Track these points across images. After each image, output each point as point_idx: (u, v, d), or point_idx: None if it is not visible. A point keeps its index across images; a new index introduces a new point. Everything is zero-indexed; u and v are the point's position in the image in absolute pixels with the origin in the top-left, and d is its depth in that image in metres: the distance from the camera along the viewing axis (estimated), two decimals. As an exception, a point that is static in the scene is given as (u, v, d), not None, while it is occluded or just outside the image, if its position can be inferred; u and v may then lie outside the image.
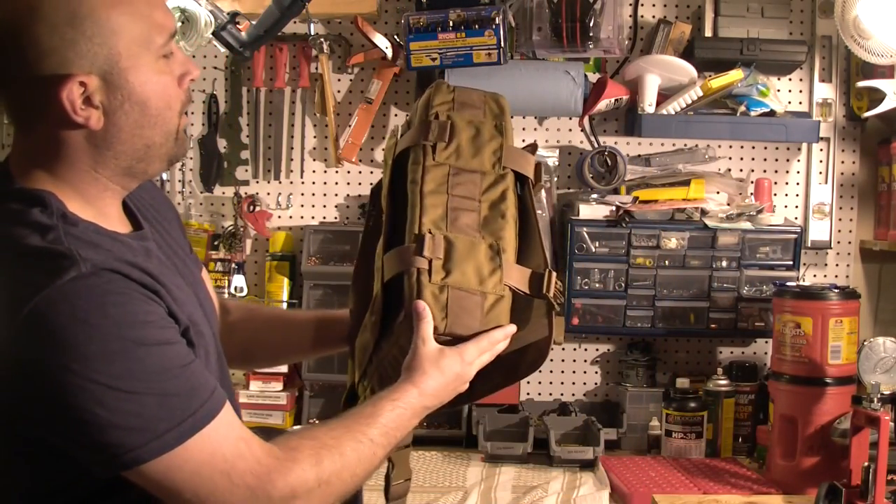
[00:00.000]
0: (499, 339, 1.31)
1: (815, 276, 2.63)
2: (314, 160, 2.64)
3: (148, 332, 1.06)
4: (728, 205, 2.57)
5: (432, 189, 1.33)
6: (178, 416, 1.06)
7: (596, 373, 2.66)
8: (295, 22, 2.40)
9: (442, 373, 1.27)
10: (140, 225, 1.22)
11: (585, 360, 2.66)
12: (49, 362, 1.01)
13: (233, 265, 2.57)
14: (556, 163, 2.59)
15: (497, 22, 2.35)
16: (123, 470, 1.05)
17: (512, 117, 2.57)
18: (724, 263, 2.49)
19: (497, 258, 1.32)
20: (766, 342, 2.55)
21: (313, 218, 2.64)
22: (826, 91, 2.60)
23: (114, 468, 1.05)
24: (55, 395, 1.01)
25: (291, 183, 2.64)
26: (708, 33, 2.53)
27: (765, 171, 2.63)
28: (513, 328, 1.33)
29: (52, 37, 1.06)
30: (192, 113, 2.57)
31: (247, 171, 2.63)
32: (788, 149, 2.64)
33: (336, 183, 2.64)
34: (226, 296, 2.52)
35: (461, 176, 1.35)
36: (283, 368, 2.44)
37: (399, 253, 1.31)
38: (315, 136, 2.64)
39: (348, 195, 2.64)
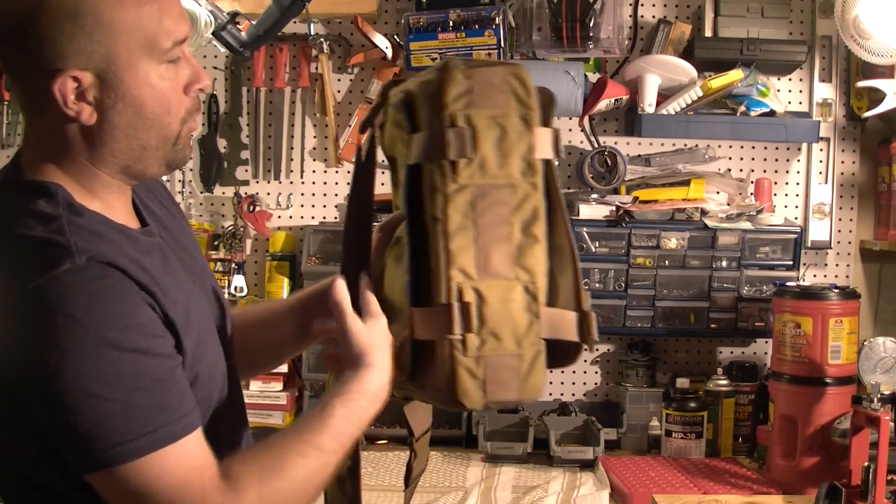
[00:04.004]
0: None
1: (815, 276, 2.63)
2: (314, 160, 2.64)
3: (129, 337, 1.04)
4: (728, 205, 2.57)
5: (457, 224, 1.14)
6: (133, 432, 1.03)
7: (596, 373, 2.66)
8: (295, 22, 2.40)
9: (384, 342, 1.18)
10: (147, 222, 1.22)
11: (585, 360, 2.66)
12: (31, 350, 1.02)
13: (233, 265, 2.57)
14: (557, 163, 2.58)
15: (497, 22, 2.35)
16: (74, 471, 1.05)
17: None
18: (724, 263, 2.49)
19: (534, 304, 1.16)
20: (766, 342, 2.55)
21: (313, 218, 2.64)
22: (826, 91, 2.60)
23: (72, 467, 1.05)
24: (35, 381, 1.03)
25: (291, 183, 2.64)
26: (708, 33, 2.53)
27: (765, 171, 2.63)
28: None
29: (51, 30, 1.07)
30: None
31: (247, 171, 2.63)
32: (788, 149, 2.64)
33: (336, 183, 2.64)
34: (225, 296, 2.52)
35: (488, 198, 1.17)
36: (284, 368, 2.44)
37: (429, 317, 1.14)
38: (315, 136, 2.64)
39: (348, 195, 2.63)
